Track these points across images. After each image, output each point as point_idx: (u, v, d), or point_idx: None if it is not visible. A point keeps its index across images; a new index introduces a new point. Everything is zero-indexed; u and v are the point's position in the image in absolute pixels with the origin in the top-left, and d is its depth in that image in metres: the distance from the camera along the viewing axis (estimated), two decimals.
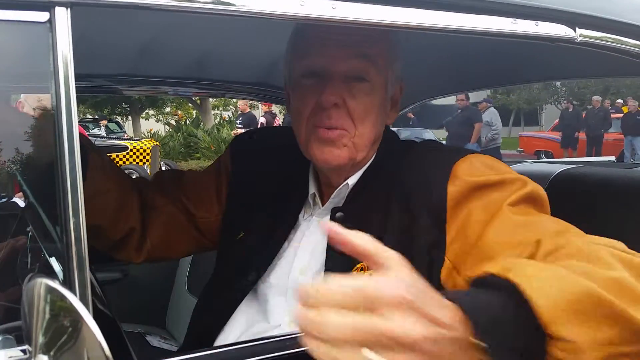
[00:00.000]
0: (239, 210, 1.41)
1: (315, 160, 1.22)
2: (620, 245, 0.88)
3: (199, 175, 1.54)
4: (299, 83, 1.23)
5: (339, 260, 1.16)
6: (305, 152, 1.25)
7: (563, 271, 0.75)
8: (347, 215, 1.22)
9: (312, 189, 1.31)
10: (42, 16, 0.75)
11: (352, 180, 1.24)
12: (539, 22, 1.09)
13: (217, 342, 1.24)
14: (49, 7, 0.75)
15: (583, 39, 1.14)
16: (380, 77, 1.21)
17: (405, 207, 1.15)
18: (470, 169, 1.13)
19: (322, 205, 1.29)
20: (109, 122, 19.16)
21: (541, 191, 1.13)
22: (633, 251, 0.87)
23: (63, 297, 0.57)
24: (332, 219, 1.23)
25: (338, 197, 1.25)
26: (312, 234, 1.27)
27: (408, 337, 0.60)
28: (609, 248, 0.85)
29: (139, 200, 1.42)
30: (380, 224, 1.17)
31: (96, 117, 20.13)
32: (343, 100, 1.17)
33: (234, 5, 0.87)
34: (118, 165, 1.63)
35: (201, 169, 1.72)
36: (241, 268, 1.29)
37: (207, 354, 0.88)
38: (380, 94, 1.22)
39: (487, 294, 0.70)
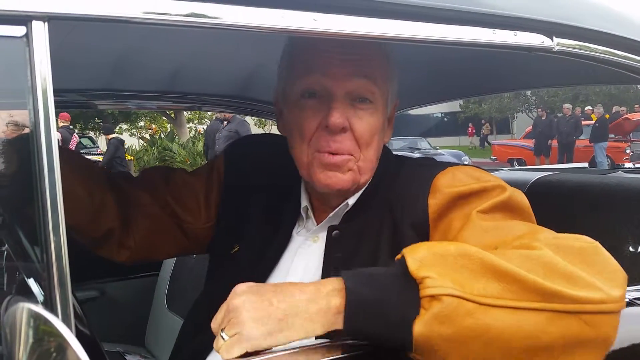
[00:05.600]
0: (232, 222, 1.37)
1: (318, 184, 1.19)
2: (585, 238, 0.95)
3: (189, 177, 1.47)
4: (297, 102, 1.20)
5: None
6: (306, 176, 1.22)
7: (444, 243, 0.91)
8: (344, 234, 1.21)
9: (304, 201, 1.29)
10: (19, 30, 0.73)
11: (352, 200, 1.23)
12: (518, 32, 1.10)
13: None
14: (25, 21, 0.73)
15: (560, 47, 1.16)
16: (381, 98, 1.20)
17: (394, 224, 1.16)
18: (453, 180, 1.14)
19: (314, 217, 1.28)
20: (81, 137, 18.89)
21: (520, 198, 1.13)
22: (590, 240, 0.94)
23: (46, 321, 0.55)
24: (329, 236, 1.21)
25: (336, 215, 1.24)
26: (306, 250, 1.25)
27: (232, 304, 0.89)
28: (553, 239, 0.93)
29: (118, 200, 1.35)
30: (376, 241, 1.16)
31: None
32: (349, 123, 1.16)
33: (211, 18, 0.85)
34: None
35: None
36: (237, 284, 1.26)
37: None
38: (382, 115, 1.21)
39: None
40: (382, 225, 1.18)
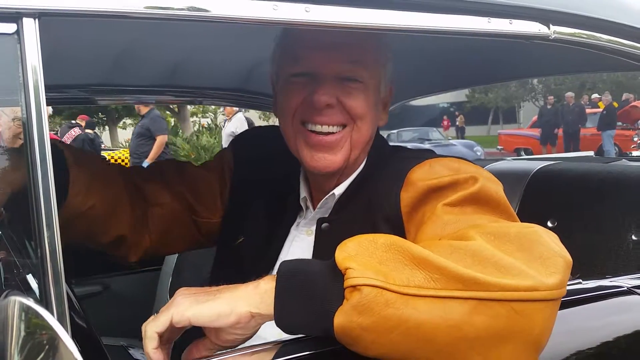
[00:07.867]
0: (238, 213, 1.38)
1: (307, 166, 1.21)
2: (524, 224, 0.94)
3: (201, 171, 1.47)
4: (287, 81, 1.22)
5: None
6: (295, 154, 1.24)
7: (374, 235, 0.89)
8: (333, 226, 1.21)
9: (302, 192, 1.29)
10: (9, 27, 0.73)
11: (339, 190, 1.23)
12: (513, 20, 1.10)
13: None
14: (16, 19, 0.73)
15: (557, 35, 1.15)
16: (372, 79, 1.21)
17: (372, 217, 1.16)
18: (428, 173, 1.12)
19: (313, 207, 1.28)
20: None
21: (493, 189, 1.07)
22: (529, 225, 0.92)
23: (38, 315, 0.56)
24: (318, 229, 1.22)
25: (324, 206, 1.24)
26: (300, 243, 1.25)
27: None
28: (490, 228, 0.91)
29: (132, 200, 1.34)
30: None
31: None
32: (337, 99, 1.17)
33: (207, 11, 0.86)
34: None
35: None
36: (240, 276, 1.26)
37: None
38: (373, 95, 1.22)
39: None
40: (365, 218, 1.17)
